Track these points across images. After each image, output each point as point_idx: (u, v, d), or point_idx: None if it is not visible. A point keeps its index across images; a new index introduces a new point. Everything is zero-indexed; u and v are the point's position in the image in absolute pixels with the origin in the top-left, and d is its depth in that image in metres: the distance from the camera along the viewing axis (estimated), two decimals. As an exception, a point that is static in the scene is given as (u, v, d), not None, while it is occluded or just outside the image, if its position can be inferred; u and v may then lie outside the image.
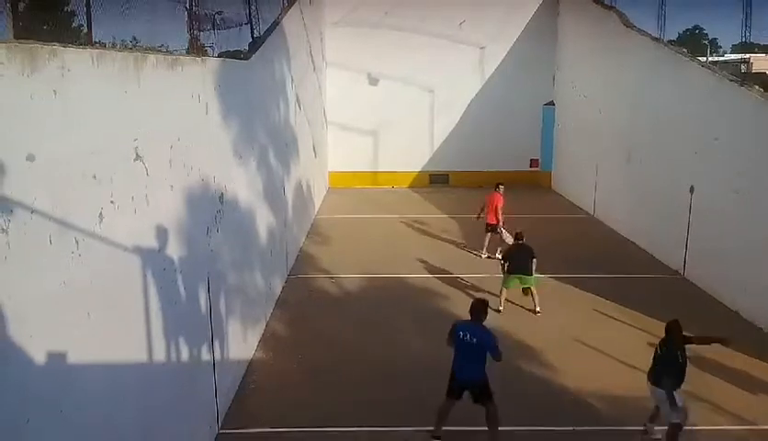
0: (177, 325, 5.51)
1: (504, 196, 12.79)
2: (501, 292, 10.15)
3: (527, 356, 8.41)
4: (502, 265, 10.26)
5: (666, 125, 12.53)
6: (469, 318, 6.53)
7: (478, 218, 13.01)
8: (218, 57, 7.66)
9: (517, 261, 10.10)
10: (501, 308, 9.97)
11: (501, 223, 12.51)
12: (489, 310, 9.87)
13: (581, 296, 10.60)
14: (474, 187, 19.66)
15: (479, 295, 10.51)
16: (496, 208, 12.55)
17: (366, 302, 10.57)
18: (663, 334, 6.45)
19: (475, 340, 6.32)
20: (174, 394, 5.47)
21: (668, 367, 6.21)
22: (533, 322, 9.64)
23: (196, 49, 7.03)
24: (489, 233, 12.78)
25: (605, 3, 16.11)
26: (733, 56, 20.31)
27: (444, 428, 6.61)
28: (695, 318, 9.50)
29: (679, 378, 6.19)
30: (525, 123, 20.06)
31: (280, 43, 11.77)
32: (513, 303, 10.20)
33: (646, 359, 8.12)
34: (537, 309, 10.01)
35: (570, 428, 6.77)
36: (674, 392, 6.10)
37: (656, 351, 6.45)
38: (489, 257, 12.68)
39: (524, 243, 10.30)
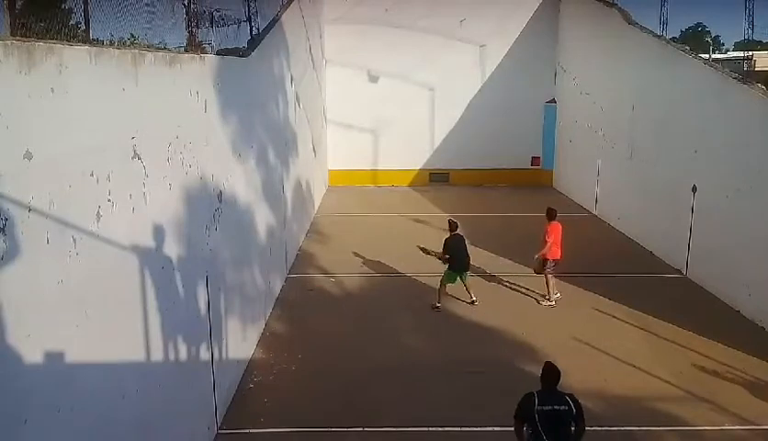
0: (176, 324, 5.48)
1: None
2: (441, 289, 9.97)
3: (528, 356, 8.37)
4: (446, 260, 9.90)
5: (668, 123, 12.49)
6: None
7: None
8: (216, 54, 7.61)
9: (461, 255, 9.94)
10: (439, 304, 9.93)
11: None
12: (433, 308, 9.73)
13: (583, 295, 10.55)
14: (475, 186, 19.71)
15: (481, 296, 10.50)
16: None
17: (366, 302, 10.53)
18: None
19: None
20: (172, 394, 5.44)
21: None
22: (534, 321, 9.59)
23: (194, 46, 6.99)
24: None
25: (607, 0, 16.06)
26: (736, 54, 20.26)
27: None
28: (697, 317, 9.50)
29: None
30: (526, 121, 20.01)
31: (279, 40, 11.72)
32: (513, 302, 10.18)
33: (647, 359, 8.17)
34: (474, 298, 10.05)
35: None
36: None
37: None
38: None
39: (460, 235, 10.11)
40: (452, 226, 10.16)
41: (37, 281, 3.41)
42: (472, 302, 10.04)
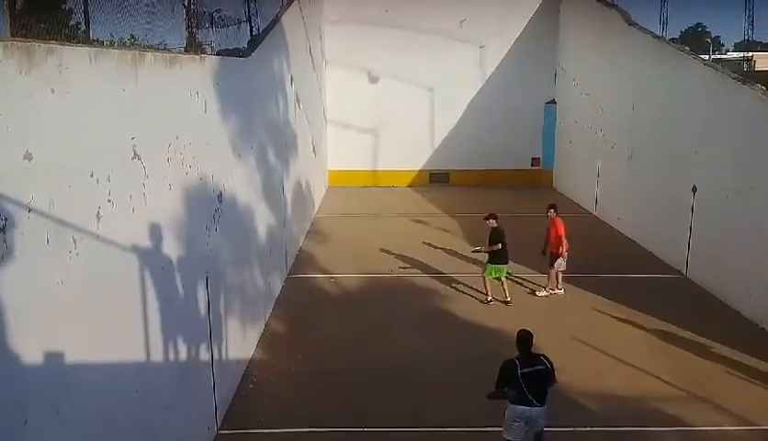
0: (176, 325, 5.48)
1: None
2: (486, 282, 10.13)
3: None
4: (493, 251, 10.03)
5: (668, 123, 12.50)
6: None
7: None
8: (216, 55, 7.61)
9: (505, 249, 10.06)
10: (490, 298, 10.09)
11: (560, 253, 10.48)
12: (485, 303, 9.82)
13: (582, 295, 10.56)
14: (474, 186, 19.70)
15: (481, 296, 10.51)
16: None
17: (365, 302, 10.54)
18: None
19: None
20: (172, 394, 5.44)
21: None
22: (533, 320, 9.56)
23: (194, 46, 7.00)
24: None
25: (607, 0, 16.07)
26: (736, 54, 20.26)
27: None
28: (697, 318, 9.51)
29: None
30: (526, 121, 20.01)
31: (279, 41, 11.73)
32: (512, 301, 10.19)
33: (647, 359, 8.17)
34: (509, 298, 10.18)
35: (570, 428, 6.73)
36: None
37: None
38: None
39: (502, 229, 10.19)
40: (495, 217, 10.26)
41: (37, 281, 3.42)
42: (507, 302, 10.17)
